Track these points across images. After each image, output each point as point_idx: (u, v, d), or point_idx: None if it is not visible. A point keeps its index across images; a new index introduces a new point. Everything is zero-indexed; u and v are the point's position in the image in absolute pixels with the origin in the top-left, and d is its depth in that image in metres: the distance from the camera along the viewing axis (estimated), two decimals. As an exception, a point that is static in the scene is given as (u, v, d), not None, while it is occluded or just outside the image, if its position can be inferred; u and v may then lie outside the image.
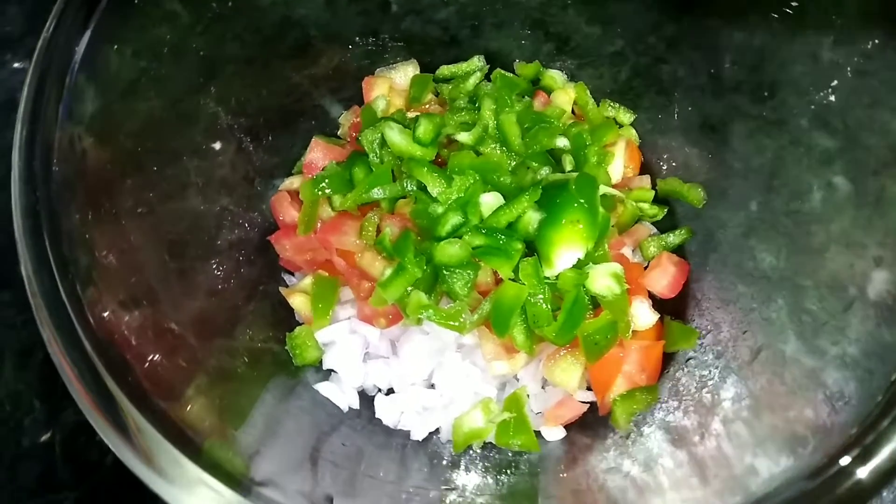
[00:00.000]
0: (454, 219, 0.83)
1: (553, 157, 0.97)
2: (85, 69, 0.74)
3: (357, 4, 1.08)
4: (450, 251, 0.82)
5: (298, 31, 1.05)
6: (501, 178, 0.86)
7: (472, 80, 1.00)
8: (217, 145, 1.01)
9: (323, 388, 0.89)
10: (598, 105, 1.07)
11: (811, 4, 0.86)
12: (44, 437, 1.02)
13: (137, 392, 0.63)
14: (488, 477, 0.89)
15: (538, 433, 0.90)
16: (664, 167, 1.08)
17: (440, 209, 0.84)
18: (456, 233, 0.84)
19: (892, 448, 0.59)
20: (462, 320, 0.83)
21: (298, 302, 0.91)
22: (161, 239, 0.84)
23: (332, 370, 0.92)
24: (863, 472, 0.59)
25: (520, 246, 0.83)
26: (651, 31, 1.04)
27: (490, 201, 0.85)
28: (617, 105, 1.07)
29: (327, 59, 1.11)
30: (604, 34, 1.11)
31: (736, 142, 0.99)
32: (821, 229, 0.88)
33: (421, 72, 1.09)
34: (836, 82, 0.85)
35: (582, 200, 0.84)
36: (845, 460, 0.61)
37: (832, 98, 0.86)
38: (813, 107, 0.86)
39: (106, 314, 0.68)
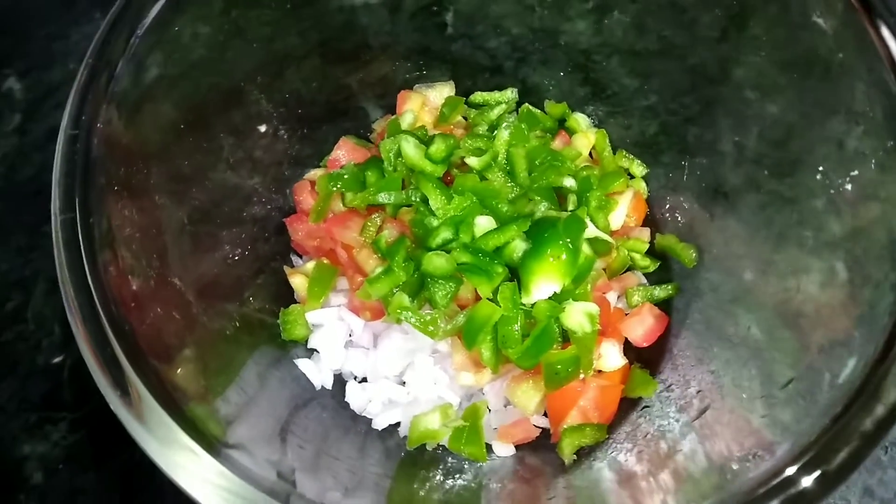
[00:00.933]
0: (446, 233, 0.89)
1: (560, 195, 1.03)
2: (153, 36, 0.82)
3: (416, 21, 1.15)
4: (436, 262, 0.89)
5: (358, 37, 1.13)
6: (499, 205, 0.92)
7: (497, 111, 1.07)
8: (261, 128, 1.10)
9: (302, 363, 0.96)
10: (614, 154, 1.11)
11: (847, 93, 0.88)
12: (56, 360, 1.13)
13: (133, 346, 0.69)
14: (436, 476, 0.95)
15: (490, 447, 0.95)
16: (668, 223, 1.12)
17: (435, 222, 0.91)
18: (446, 247, 0.91)
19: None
20: (436, 327, 0.89)
21: (298, 282, 1.00)
22: (187, 204, 0.93)
23: (315, 350, 0.99)
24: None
25: (501, 270, 0.89)
26: (687, 92, 1.07)
27: (483, 224, 0.91)
28: (632, 157, 1.11)
29: (378, 66, 1.19)
30: (640, 87, 1.15)
31: (745, 211, 1.01)
32: (811, 310, 0.89)
33: (458, 93, 1.16)
34: (856, 172, 0.86)
35: (567, 239, 0.89)
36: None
37: (849, 186, 0.87)
38: (831, 191, 0.87)
39: (119, 268, 0.74)
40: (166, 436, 0.65)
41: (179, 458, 0.64)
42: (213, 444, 0.67)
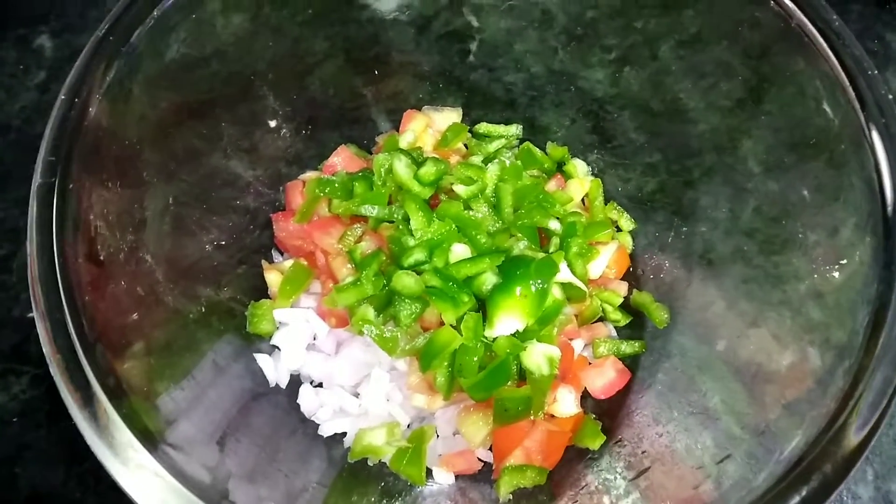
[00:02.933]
0: (419, 254, 0.91)
1: (544, 236, 1.04)
2: (176, 15, 0.85)
3: (440, 44, 1.17)
4: (405, 281, 0.90)
5: (381, 50, 1.15)
6: (478, 236, 0.93)
7: (496, 144, 1.08)
8: (269, 122, 1.12)
9: (261, 358, 0.97)
10: (606, 204, 1.12)
11: (846, 184, 0.88)
12: (31, 314, 1.14)
13: (87, 321, 0.69)
14: (373, 493, 0.95)
15: (430, 472, 0.96)
16: (649, 281, 1.12)
17: (412, 242, 0.92)
18: (418, 268, 0.92)
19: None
20: (395, 344, 0.90)
21: (272, 278, 1.01)
22: (176, 185, 0.94)
23: (277, 348, 1.00)
24: None
25: (468, 299, 0.90)
26: (692, 155, 1.08)
27: (459, 252, 0.92)
28: (622, 210, 1.12)
29: (394, 81, 1.21)
30: (646, 144, 1.15)
31: (727, 282, 1.01)
32: (775, 390, 0.89)
33: (466, 122, 1.18)
34: (845, 261, 0.86)
35: (538, 280, 0.90)
36: None
37: (836, 275, 0.87)
38: (815, 276, 0.88)
39: (89, 237, 0.75)
40: (107, 424, 0.65)
41: (118, 449, 0.64)
42: (151, 439, 0.67)
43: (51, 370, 0.66)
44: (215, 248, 1.02)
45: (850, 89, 0.83)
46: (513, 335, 0.92)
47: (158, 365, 0.82)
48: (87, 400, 0.66)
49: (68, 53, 1.39)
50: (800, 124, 0.92)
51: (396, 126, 1.22)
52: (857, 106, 0.80)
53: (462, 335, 0.90)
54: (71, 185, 0.73)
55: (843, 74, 0.81)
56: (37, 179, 0.70)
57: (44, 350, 0.67)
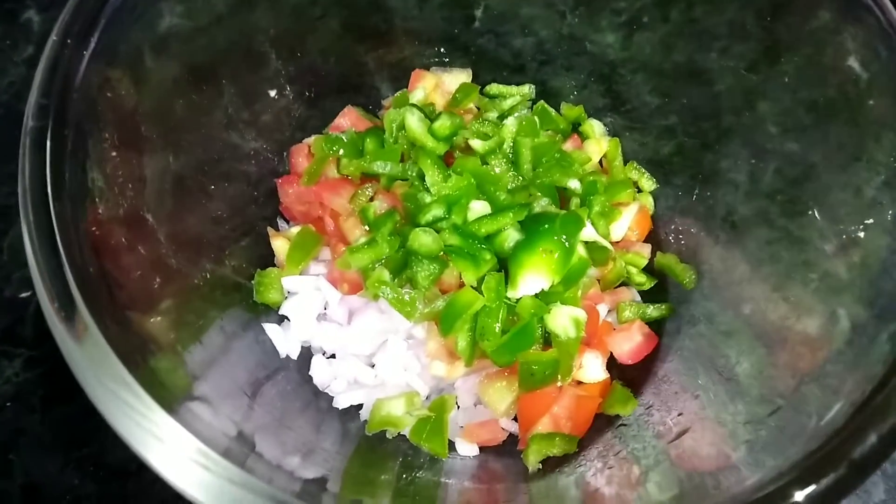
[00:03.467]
0: (437, 211, 0.86)
1: (563, 197, 0.99)
2: None
3: (444, 10, 1.13)
4: (423, 239, 0.85)
5: (383, 17, 1.11)
6: (497, 192, 0.89)
7: (511, 101, 1.03)
8: (270, 90, 1.07)
9: (270, 328, 0.92)
10: (625, 165, 1.08)
11: (872, 141, 0.85)
12: (24, 294, 1.09)
13: (92, 280, 0.64)
14: (392, 466, 0.90)
15: (453, 444, 0.91)
16: (671, 244, 1.08)
17: (428, 199, 0.87)
18: (435, 226, 0.87)
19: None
20: (413, 308, 0.85)
21: (279, 244, 0.96)
22: (176, 145, 0.90)
23: (286, 318, 0.95)
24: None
25: (490, 258, 0.85)
26: (708, 117, 1.04)
27: (478, 208, 0.87)
28: (643, 170, 1.08)
29: (399, 48, 1.17)
30: (661, 106, 1.12)
31: (752, 245, 0.98)
32: (807, 353, 0.86)
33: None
34: (871, 220, 0.83)
35: (563, 236, 0.85)
36: None
37: (861, 234, 0.85)
38: (843, 237, 0.85)
39: (86, 190, 0.70)
40: (118, 387, 0.59)
41: (131, 411, 0.58)
42: (168, 401, 0.61)
43: (51, 325, 0.60)
44: (218, 216, 0.97)
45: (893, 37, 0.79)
46: (536, 296, 0.87)
47: (164, 331, 0.77)
48: (95, 360, 0.59)
49: None
50: (819, 82, 0.89)
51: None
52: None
53: (483, 296, 0.85)
54: (66, 131, 0.67)
55: (882, 18, 0.77)
56: (28, 122, 0.64)
57: (43, 305, 0.61)
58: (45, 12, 1.34)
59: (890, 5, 0.81)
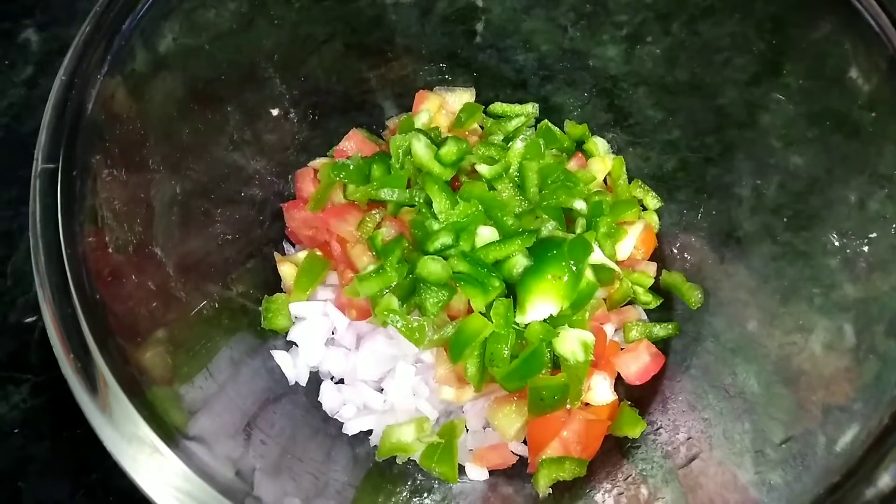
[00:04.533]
0: (445, 238, 0.86)
1: (569, 218, 0.99)
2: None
3: (446, 26, 1.13)
4: (431, 267, 0.85)
5: (385, 34, 1.11)
6: (504, 218, 0.89)
7: (515, 122, 1.03)
8: (273, 110, 1.07)
9: (279, 355, 0.92)
10: (630, 183, 1.08)
11: (874, 154, 0.85)
12: (28, 319, 1.09)
13: (100, 318, 0.64)
14: (403, 492, 0.90)
15: (463, 468, 0.91)
16: (676, 261, 1.08)
17: (436, 226, 0.87)
18: (444, 253, 0.87)
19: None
20: (422, 335, 0.85)
21: (286, 270, 0.96)
22: (182, 174, 0.89)
23: (295, 343, 0.95)
24: None
25: (498, 284, 0.85)
26: (712, 131, 1.05)
27: (486, 234, 0.87)
28: (648, 189, 1.08)
29: (401, 65, 1.16)
30: (664, 121, 1.12)
31: (756, 260, 0.98)
32: (813, 370, 0.86)
33: (478, 103, 1.13)
34: (875, 234, 0.84)
35: (571, 261, 0.85)
36: None
37: (866, 248, 0.85)
38: (847, 251, 0.85)
39: (96, 228, 0.71)
40: (123, 421, 0.60)
41: (134, 446, 0.59)
42: (171, 435, 0.62)
43: (60, 362, 0.60)
44: (224, 241, 0.97)
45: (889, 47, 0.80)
46: (545, 321, 0.88)
47: (171, 360, 0.77)
48: (101, 397, 0.60)
49: (56, 47, 1.33)
50: (821, 95, 0.90)
51: (404, 110, 1.17)
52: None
53: (492, 322, 0.85)
54: (74, 172, 0.67)
55: (890, 28, 0.77)
56: (38, 165, 0.64)
57: (53, 346, 0.61)
58: (43, 31, 1.34)
59: (887, 19, 0.81)
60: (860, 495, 0.60)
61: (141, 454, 0.59)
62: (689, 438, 0.89)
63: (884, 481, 0.60)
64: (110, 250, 0.72)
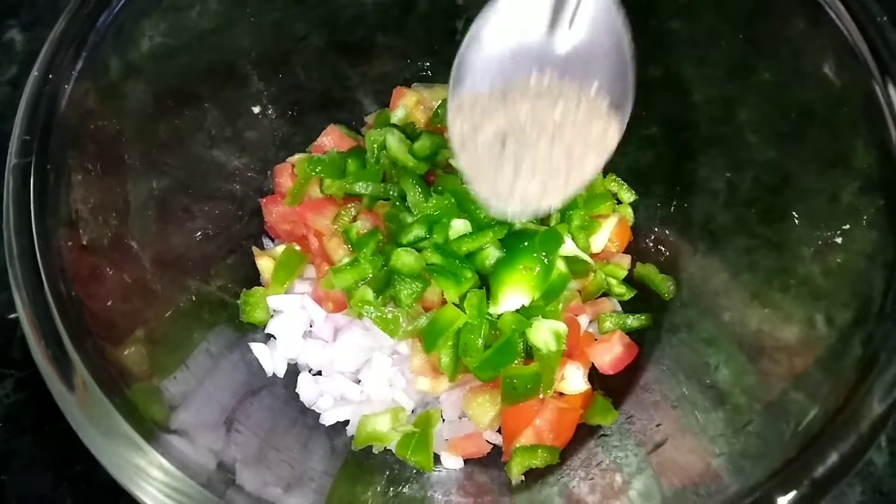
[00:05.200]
0: (418, 231, 0.87)
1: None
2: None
3: (426, 24, 1.14)
4: (405, 259, 0.86)
5: (365, 31, 1.11)
6: (477, 211, 0.90)
7: (490, 117, 1.04)
8: (253, 107, 1.08)
9: (256, 347, 0.94)
10: (604, 177, 1.09)
11: (847, 148, 0.86)
12: (12, 315, 1.10)
13: (76, 316, 0.65)
14: (380, 481, 0.91)
15: (438, 457, 0.92)
16: (651, 254, 1.09)
17: (410, 219, 0.88)
18: (417, 245, 0.88)
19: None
20: (397, 326, 0.87)
21: (264, 264, 0.97)
22: (159, 170, 0.90)
23: (273, 336, 0.96)
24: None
25: (471, 275, 0.87)
26: (688, 127, 1.06)
27: (459, 227, 0.89)
28: (622, 183, 1.09)
29: (381, 62, 1.17)
30: (641, 117, 1.13)
31: (730, 252, 0.99)
32: (784, 358, 0.88)
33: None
34: (847, 226, 0.85)
35: (542, 253, 0.87)
36: None
37: (838, 240, 0.86)
38: (819, 243, 0.86)
39: (71, 223, 0.71)
40: (102, 418, 0.61)
41: (114, 443, 0.60)
42: (151, 430, 0.63)
43: (37, 362, 0.61)
44: (203, 236, 0.98)
45: (860, 44, 0.80)
46: (518, 311, 0.89)
47: (149, 356, 0.78)
48: (79, 392, 0.61)
49: (40, 47, 1.33)
50: (795, 90, 0.91)
51: (383, 107, 1.18)
52: (870, 60, 0.77)
53: (466, 313, 0.87)
54: (48, 166, 0.68)
55: (853, 27, 0.78)
56: (11, 160, 0.65)
57: (29, 342, 0.62)
58: (27, 31, 1.35)
59: (848, 16, 0.82)
60: (812, 471, 0.62)
61: (121, 451, 0.60)
62: (659, 426, 0.91)
63: (832, 459, 0.62)
64: (85, 245, 0.73)
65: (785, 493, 0.62)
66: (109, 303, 0.75)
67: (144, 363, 0.76)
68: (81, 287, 0.69)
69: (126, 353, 0.73)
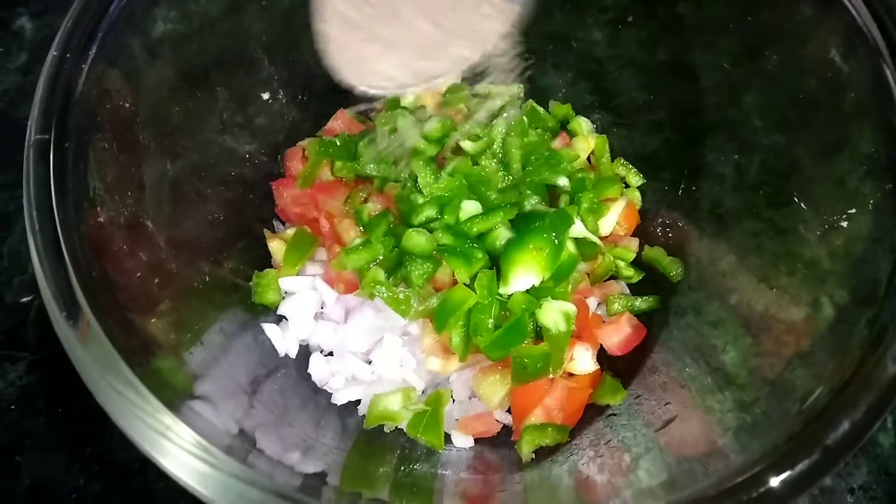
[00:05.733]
0: (429, 211, 0.88)
1: (552, 194, 1.02)
2: None
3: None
4: (416, 239, 0.87)
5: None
6: (488, 192, 0.91)
7: (500, 101, 1.05)
8: (264, 93, 1.09)
9: (269, 328, 0.94)
10: (613, 161, 1.10)
11: (854, 133, 0.87)
12: (25, 299, 1.11)
13: (95, 285, 0.66)
14: (390, 459, 0.92)
15: (449, 436, 0.93)
16: (659, 238, 1.10)
17: (421, 200, 0.89)
18: (428, 226, 0.89)
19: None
20: (408, 306, 0.87)
21: (275, 246, 0.98)
22: (173, 151, 0.91)
23: (284, 317, 0.97)
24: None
25: (481, 256, 0.88)
26: (695, 112, 1.06)
27: (469, 208, 0.90)
28: (630, 166, 1.10)
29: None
30: (648, 102, 1.14)
31: (738, 236, 1.00)
32: (791, 341, 0.88)
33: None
34: (853, 210, 0.85)
35: (552, 233, 0.87)
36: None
37: (844, 224, 0.87)
38: (825, 227, 0.87)
39: (88, 199, 0.72)
40: (122, 387, 0.61)
41: (134, 409, 0.61)
42: (171, 399, 0.63)
43: (58, 333, 0.62)
44: (215, 219, 0.99)
45: (871, 25, 0.81)
46: (528, 292, 0.90)
47: (165, 332, 0.79)
48: (99, 361, 0.62)
49: (50, 34, 1.32)
50: (802, 75, 0.91)
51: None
52: (881, 43, 0.78)
53: (476, 293, 0.88)
54: (67, 144, 0.69)
55: (863, 9, 0.79)
56: (31, 136, 0.66)
57: (50, 315, 0.63)
58: (37, 19, 1.35)
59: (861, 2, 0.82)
60: (811, 447, 0.62)
61: (140, 417, 0.61)
62: (668, 405, 0.92)
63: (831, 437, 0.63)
64: (102, 222, 0.74)
65: (779, 473, 0.62)
66: (127, 278, 0.76)
67: (161, 337, 0.77)
68: (100, 261, 0.70)
69: (144, 325, 0.74)
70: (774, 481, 0.62)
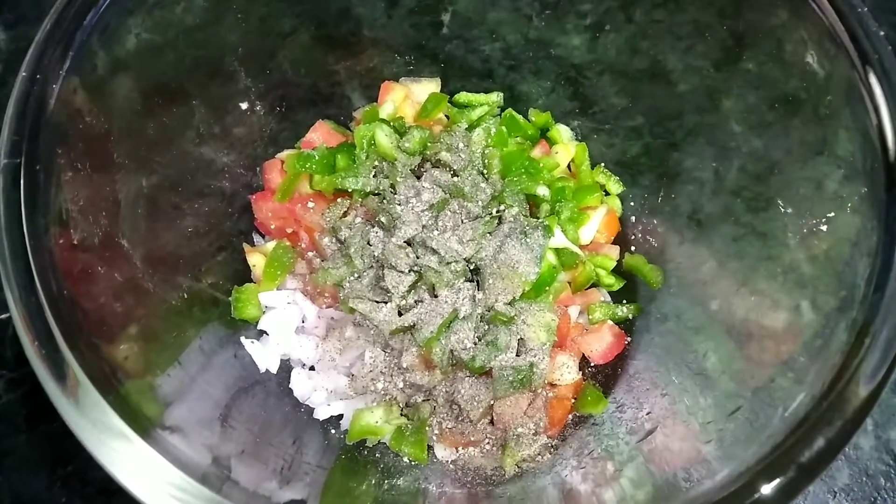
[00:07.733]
0: (409, 225, 0.87)
1: (532, 203, 1.02)
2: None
3: (413, 17, 1.14)
4: (396, 253, 0.86)
5: (352, 26, 1.11)
6: (467, 204, 0.90)
7: (479, 112, 1.05)
8: (241, 104, 1.07)
9: (249, 344, 0.94)
10: (593, 169, 1.10)
11: (832, 136, 0.87)
12: (2, 316, 1.09)
13: (69, 315, 0.65)
14: (374, 474, 0.92)
15: (432, 449, 0.93)
16: (639, 244, 1.10)
17: (400, 212, 0.89)
18: (408, 239, 0.88)
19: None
20: (388, 320, 0.87)
21: (255, 260, 0.97)
22: (149, 168, 0.90)
23: (265, 332, 0.97)
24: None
25: (462, 268, 0.87)
26: (674, 117, 1.06)
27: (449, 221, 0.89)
28: (610, 174, 1.10)
29: (368, 57, 1.17)
30: (628, 108, 1.14)
31: (718, 241, 1.00)
32: (772, 345, 0.89)
33: (443, 93, 1.14)
34: (832, 214, 0.86)
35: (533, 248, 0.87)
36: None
37: (823, 228, 0.87)
38: (804, 231, 0.87)
39: (62, 223, 0.72)
40: (97, 416, 0.61)
41: (109, 440, 0.61)
42: (146, 427, 0.63)
43: (30, 360, 0.61)
44: (193, 233, 0.98)
45: (842, 33, 0.81)
46: (509, 304, 0.90)
47: (142, 354, 0.78)
48: (73, 390, 0.61)
49: (24, 46, 1.31)
50: (780, 80, 0.91)
51: (372, 101, 1.18)
52: (851, 49, 0.78)
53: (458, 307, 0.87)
54: (38, 166, 0.68)
55: (835, 17, 0.79)
56: (1, 160, 0.65)
57: (21, 341, 0.63)
58: (11, 30, 1.34)
59: (829, 6, 0.82)
60: (799, 455, 0.63)
61: (116, 448, 0.60)
62: (650, 413, 0.92)
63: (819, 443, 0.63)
64: (76, 244, 0.73)
65: (772, 478, 0.62)
66: (101, 301, 0.75)
67: (137, 360, 0.76)
68: (73, 285, 0.69)
69: (118, 350, 0.73)
70: (766, 489, 0.62)
